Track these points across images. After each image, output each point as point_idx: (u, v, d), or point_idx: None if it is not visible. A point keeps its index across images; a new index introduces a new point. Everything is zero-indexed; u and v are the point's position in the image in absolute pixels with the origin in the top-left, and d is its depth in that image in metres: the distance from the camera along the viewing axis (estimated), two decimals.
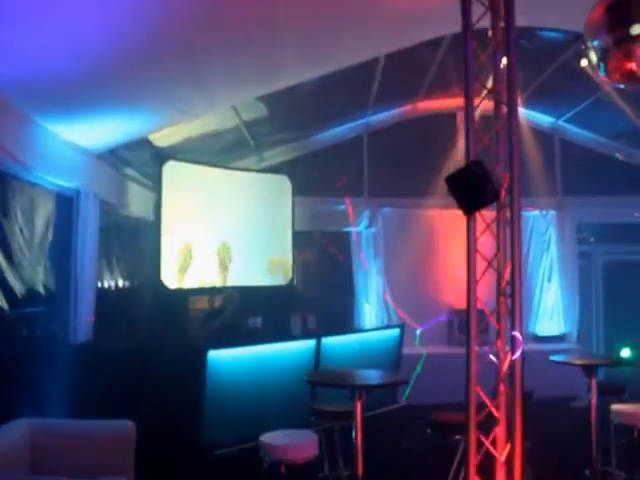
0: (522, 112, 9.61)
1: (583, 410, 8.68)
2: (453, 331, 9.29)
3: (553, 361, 5.82)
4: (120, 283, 7.12)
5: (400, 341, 8.05)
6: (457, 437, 4.51)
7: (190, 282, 7.50)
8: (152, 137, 7.03)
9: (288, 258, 8.68)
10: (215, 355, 5.92)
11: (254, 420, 6.05)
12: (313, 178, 9.07)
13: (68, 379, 5.30)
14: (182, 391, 5.98)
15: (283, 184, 8.68)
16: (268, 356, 6.44)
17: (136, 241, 7.81)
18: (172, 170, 7.31)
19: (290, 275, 8.66)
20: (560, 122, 9.99)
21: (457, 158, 9.54)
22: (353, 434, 4.27)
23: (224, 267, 7.94)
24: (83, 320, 5.81)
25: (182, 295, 7.49)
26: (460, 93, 9.37)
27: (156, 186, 7.19)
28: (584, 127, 9.92)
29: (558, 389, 8.87)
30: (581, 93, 8.92)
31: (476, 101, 4.25)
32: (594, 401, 5.21)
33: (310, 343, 6.85)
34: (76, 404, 5.22)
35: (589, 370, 5.21)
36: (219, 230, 7.86)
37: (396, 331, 8.02)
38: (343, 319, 7.89)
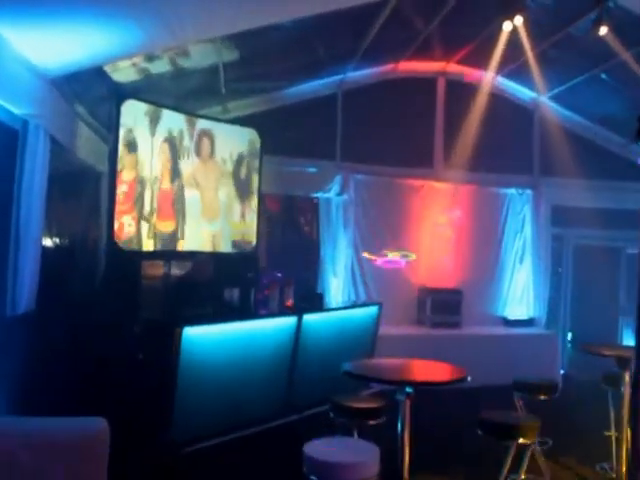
0: (501, 82, 9.03)
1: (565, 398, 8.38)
2: (424, 311, 8.64)
3: (583, 350, 5.15)
4: (66, 242, 5.94)
5: (377, 320, 7.30)
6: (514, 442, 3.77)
7: (146, 244, 6.41)
8: (110, 69, 5.86)
9: (253, 223, 7.69)
10: (191, 333, 4.93)
11: (230, 409, 5.18)
12: (281, 136, 8.10)
13: (5, 361, 4.19)
14: (149, 375, 4.98)
15: (252, 139, 7.65)
16: (246, 334, 5.53)
17: (83, 193, 6.63)
18: (131, 111, 6.16)
19: (254, 242, 7.69)
20: (542, 98, 9.43)
21: (437, 125, 8.88)
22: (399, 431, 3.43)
23: (182, 229, 6.87)
24: (26, 285, 4.64)
25: (138, 259, 6.38)
26: (442, 57, 8.77)
27: (112, 127, 6.01)
28: (567, 107, 9.43)
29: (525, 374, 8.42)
30: (570, 70, 8.44)
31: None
32: (627, 395, 4.61)
33: (290, 321, 5.97)
34: (15, 394, 4.14)
35: (624, 362, 4.61)
36: (178, 186, 6.76)
37: (374, 309, 7.25)
38: (314, 294, 7.01)
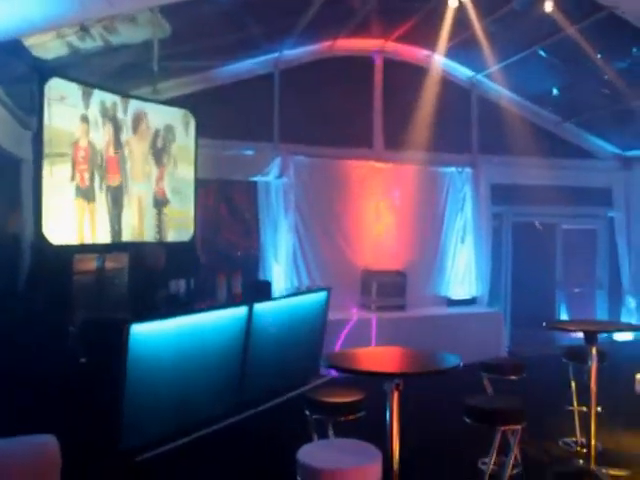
0: (440, 61, 8.91)
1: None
2: (369, 295, 8.44)
3: (548, 327, 5.06)
4: None
5: (326, 306, 7.04)
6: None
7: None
8: (30, 44, 5.30)
9: (189, 210, 7.25)
10: (139, 330, 4.50)
11: (183, 410, 4.80)
12: (215, 117, 7.66)
13: None
14: (93, 380, 4.52)
15: (185, 121, 7.18)
16: (196, 329, 5.13)
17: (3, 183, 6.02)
18: (55, 91, 5.59)
19: (192, 230, 7.25)
20: (479, 77, 9.38)
21: (376, 105, 8.67)
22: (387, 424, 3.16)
23: (116, 219, 6.37)
24: None
25: (69, 253, 5.83)
26: (380, 35, 8.54)
27: (36, 109, 5.43)
28: (503, 85, 9.40)
29: (471, 355, 8.41)
30: (509, 47, 8.38)
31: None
32: (594, 370, 4.54)
33: (241, 311, 5.61)
34: None
35: (591, 337, 4.53)
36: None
37: (322, 295, 6.99)
38: (261, 283, 6.65)
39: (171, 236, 7.00)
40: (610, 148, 10.33)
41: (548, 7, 6.41)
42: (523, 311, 9.54)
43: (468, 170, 9.36)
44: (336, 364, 3.32)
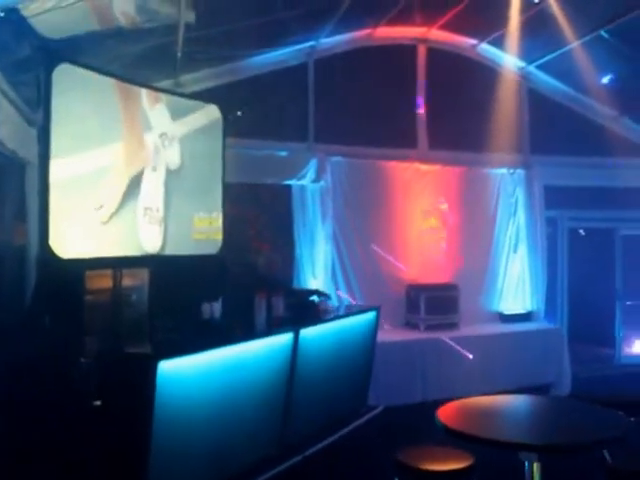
0: (487, 50, 8.03)
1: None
2: (416, 312, 7.52)
3: None
4: None
5: (376, 327, 6.14)
6: None
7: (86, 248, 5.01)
8: (37, 22, 4.44)
9: (217, 218, 6.38)
10: (168, 368, 3.61)
11: (217, 461, 3.91)
12: (244, 114, 6.82)
13: None
14: (110, 429, 3.65)
15: (212, 117, 6.33)
16: (233, 362, 4.24)
17: (2, 188, 5.19)
18: (65, 78, 4.73)
19: (220, 242, 6.37)
20: (531, 68, 8.46)
21: (418, 99, 7.78)
22: None
23: (133, 228, 5.51)
24: None
25: (80, 268, 4.97)
26: (424, 22, 7.65)
27: (43, 99, 4.58)
28: (557, 76, 8.49)
29: (534, 376, 7.53)
30: (560, 35, 7.45)
31: None
32: None
33: (285, 339, 4.72)
34: None
35: None
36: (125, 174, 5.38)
37: (371, 315, 6.08)
38: (306, 302, 5.73)
39: (197, 248, 6.13)
40: None
41: None
42: (580, 326, 8.62)
43: (520, 171, 8.42)
44: (455, 427, 2.41)
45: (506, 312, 8.23)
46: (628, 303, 9.11)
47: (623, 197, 8.77)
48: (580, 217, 8.78)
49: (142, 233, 5.51)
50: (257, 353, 4.43)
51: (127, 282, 5.48)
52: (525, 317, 8.25)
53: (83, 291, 5.02)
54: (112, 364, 3.99)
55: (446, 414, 2.85)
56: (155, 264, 5.60)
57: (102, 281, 5.32)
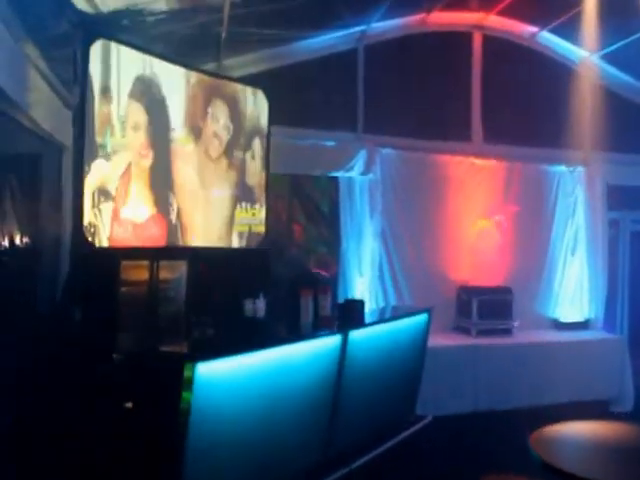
0: (548, 38, 7.51)
1: (627, 415, 6.94)
2: (468, 316, 7.06)
3: None
4: (17, 239, 4.24)
5: (427, 331, 5.71)
6: None
7: (122, 237, 4.69)
8: None
9: (260, 209, 6.04)
10: (206, 371, 3.25)
11: (257, 473, 3.54)
12: (290, 101, 6.45)
13: None
14: (142, 434, 3.31)
15: (258, 102, 5.98)
16: (277, 366, 3.86)
17: (40, 174, 4.93)
18: (102, 55, 4.42)
19: (263, 235, 6.03)
20: (594, 58, 7.90)
21: (474, 90, 7.31)
22: None
23: (167, 217, 5.18)
24: None
25: (115, 259, 4.65)
26: (480, 7, 7.18)
27: (80, 76, 4.27)
28: (622, 68, 7.92)
29: (591, 390, 7.00)
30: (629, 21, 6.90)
31: None
32: None
33: (333, 341, 4.33)
34: None
35: None
36: (163, 161, 5.04)
37: (423, 318, 5.65)
38: (353, 302, 5.33)
39: (238, 241, 5.79)
40: None
41: None
42: None
43: (580, 169, 7.88)
44: (554, 463, 1.99)
45: (562, 319, 7.70)
46: None
47: None
48: None
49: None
50: (303, 356, 4.05)
51: (165, 275, 5.17)
52: (582, 325, 7.71)
53: (118, 282, 4.71)
54: (146, 363, 3.66)
55: (541, 444, 2.42)
56: (194, 256, 5.27)
57: (138, 272, 5.01)
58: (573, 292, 7.87)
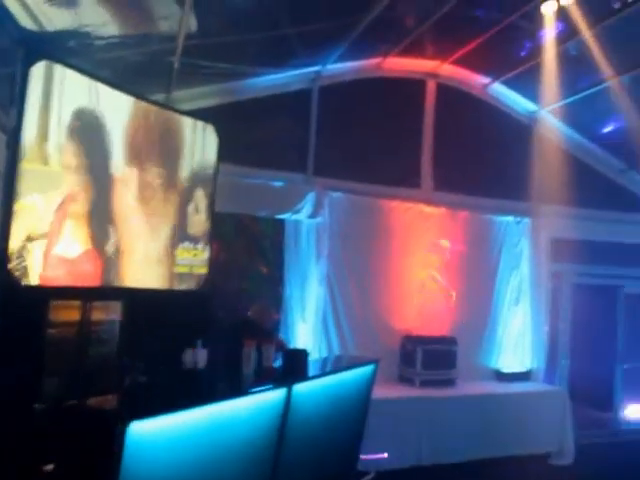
0: (499, 91, 7.63)
1: (567, 469, 6.88)
2: (412, 366, 6.90)
3: None
4: None
5: (372, 383, 5.49)
6: None
7: (54, 274, 4.33)
8: (18, 10, 3.87)
9: (204, 251, 5.76)
10: (140, 430, 2.94)
11: None
12: (240, 138, 6.26)
13: None
14: None
15: (206, 137, 5.75)
16: (217, 423, 3.56)
17: None
18: (44, 77, 4.13)
19: (205, 277, 5.73)
20: (543, 112, 8.05)
21: (426, 138, 7.30)
22: None
23: (104, 255, 4.85)
24: None
25: (43, 298, 4.29)
26: (435, 56, 7.22)
27: (17, 97, 3.96)
28: (570, 123, 8.10)
29: (533, 443, 6.94)
30: (587, 75, 7.07)
31: None
32: None
33: (276, 395, 4.07)
34: None
35: None
36: (102, 195, 4.72)
37: (369, 369, 5.44)
38: (297, 352, 5.05)
39: (179, 282, 5.49)
40: None
41: None
42: (580, 388, 8.07)
43: (526, 221, 7.94)
44: None
45: (504, 370, 7.64)
46: (625, 367, 8.62)
47: (629, 254, 8.41)
48: (585, 272, 8.29)
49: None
50: (246, 411, 3.77)
51: (97, 316, 4.82)
52: (524, 376, 7.67)
53: (45, 324, 4.34)
54: (72, 418, 3.30)
55: None
56: (130, 297, 4.93)
57: (69, 313, 4.64)
58: (515, 343, 7.84)
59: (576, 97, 7.31)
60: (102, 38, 4.39)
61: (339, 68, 6.88)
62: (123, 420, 2.84)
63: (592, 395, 8.69)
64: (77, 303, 4.68)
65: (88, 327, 4.68)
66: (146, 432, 2.99)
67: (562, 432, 7.10)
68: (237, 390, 3.88)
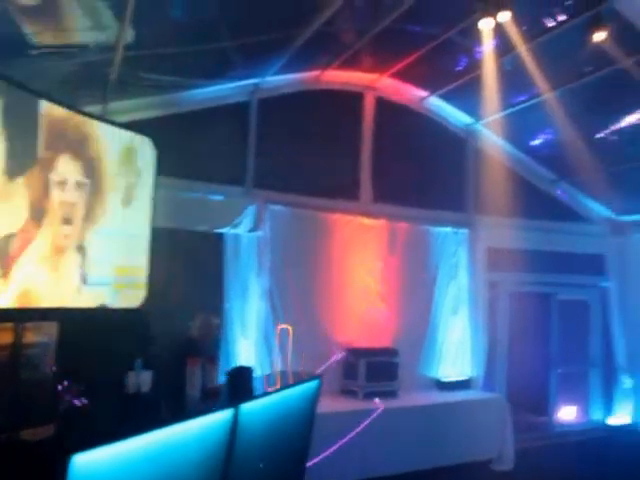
0: (433, 103, 7.77)
1: (508, 475, 7.03)
2: (355, 379, 6.89)
3: None
4: None
5: (317, 398, 5.44)
6: None
7: None
8: None
9: (141, 266, 5.58)
10: (83, 463, 2.78)
11: None
12: (177, 151, 6.11)
13: None
14: None
15: (143, 151, 5.59)
16: (163, 448, 3.43)
17: None
18: None
19: (143, 295, 5.56)
20: (478, 125, 8.25)
21: (364, 150, 7.35)
22: None
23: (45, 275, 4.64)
24: None
25: None
26: (374, 69, 7.27)
27: None
28: (501, 135, 8.31)
29: (474, 450, 7.06)
30: (512, 93, 7.28)
31: None
32: None
33: (223, 416, 3.96)
34: None
35: None
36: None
37: (313, 385, 5.39)
38: (242, 370, 4.93)
39: (116, 301, 5.29)
40: (603, 211, 9.40)
41: (599, 37, 5.42)
42: (517, 393, 8.28)
43: (464, 231, 8.09)
44: None
45: (444, 379, 7.74)
46: (559, 371, 8.90)
47: (561, 262, 8.71)
48: (521, 281, 8.53)
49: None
50: (192, 434, 3.64)
51: (30, 338, 4.57)
52: (463, 385, 7.81)
53: None
54: (4, 454, 3.11)
55: None
56: (66, 317, 4.72)
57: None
58: (455, 352, 7.97)
59: (510, 110, 7.51)
60: (36, 47, 4.19)
61: (278, 80, 6.84)
62: (64, 453, 2.68)
63: (529, 400, 8.94)
64: (8, 325, 4.44)
65: (19, 350, 4.43)
66: (90, 464, 2.83)
67: (502, 438, 7.25)
68: (183, 413, 3.74)
